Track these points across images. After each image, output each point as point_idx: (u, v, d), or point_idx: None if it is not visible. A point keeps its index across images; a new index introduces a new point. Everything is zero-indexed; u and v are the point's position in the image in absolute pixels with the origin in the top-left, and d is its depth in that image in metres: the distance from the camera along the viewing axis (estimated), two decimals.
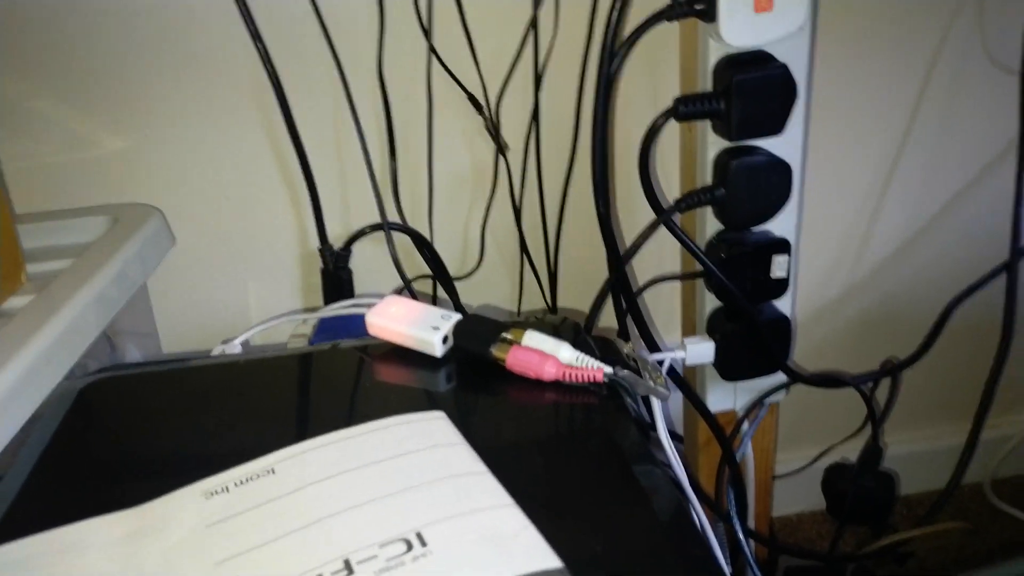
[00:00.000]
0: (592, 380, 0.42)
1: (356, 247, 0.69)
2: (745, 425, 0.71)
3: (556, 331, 0.45)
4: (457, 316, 0.46)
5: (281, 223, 0.72)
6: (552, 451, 0.38)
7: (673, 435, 0.79)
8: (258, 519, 0.33)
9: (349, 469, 0.35)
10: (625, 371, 0.43)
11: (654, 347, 0.64)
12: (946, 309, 0.72)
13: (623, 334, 0.64)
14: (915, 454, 0.95)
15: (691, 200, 0.57)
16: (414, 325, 0.45)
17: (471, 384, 0.44)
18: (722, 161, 0.56)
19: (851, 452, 0.78)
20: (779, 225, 0.60)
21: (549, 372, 0.42)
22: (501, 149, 0.69)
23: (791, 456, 0.90)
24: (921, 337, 0.70)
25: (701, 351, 0.63)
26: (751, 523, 0.76)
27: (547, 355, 0.43)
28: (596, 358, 0.43)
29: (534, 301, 0.77)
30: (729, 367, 0.64)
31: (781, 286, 0.61)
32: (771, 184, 0.57)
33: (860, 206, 0.80)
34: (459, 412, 0.40)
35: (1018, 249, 0.70)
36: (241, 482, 0.35)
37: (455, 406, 0.41)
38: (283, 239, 0.73)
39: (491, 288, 0.77)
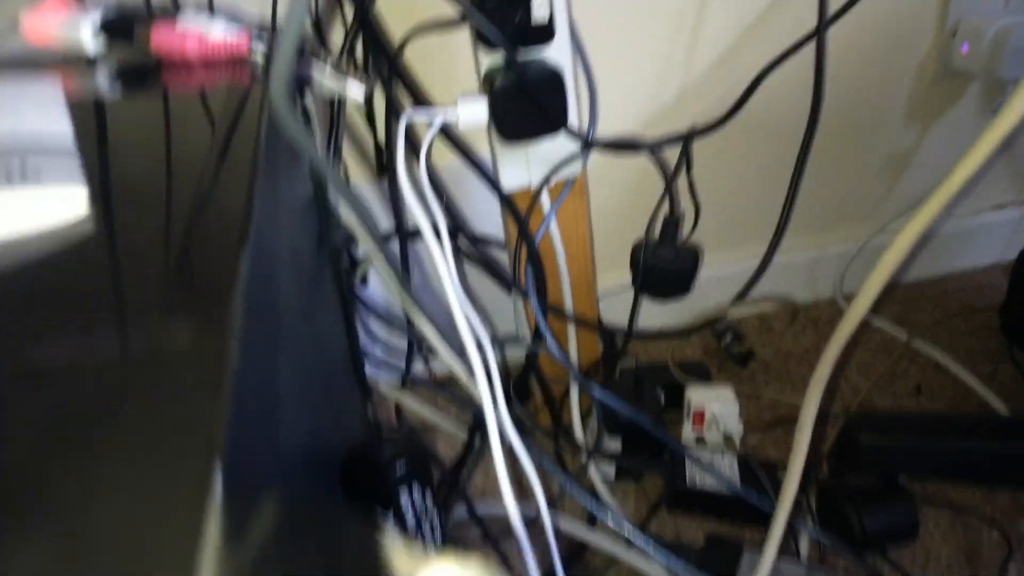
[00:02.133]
0: (236, 54, 0.39)
1: None
2: (546, 203, 0.69)
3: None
4: (110, 6, 0.43)
5: None
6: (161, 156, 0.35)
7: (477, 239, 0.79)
8: None
9: None
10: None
11: (425, 104, 0.61)
12: (756, 78, 0.70)
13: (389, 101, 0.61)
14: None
15: None
16: (66, 21, 0.42)
17: (120, 77, 0.41)
18: None
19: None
20: None
21: (192, 49, 0.39)
22: None
23: None
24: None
25: (474, 110, 0.61)
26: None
27: (189, 32, 0.40)
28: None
29: None
30: (507, 125, 0.61)
31: (547, 32, 0.58)
32: None
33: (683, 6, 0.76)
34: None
35: (825, 20, 0.68)
36: None
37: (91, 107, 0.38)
38: None
39: None
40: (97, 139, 0.33)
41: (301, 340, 0.42)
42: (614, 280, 0.88)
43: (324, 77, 0.43)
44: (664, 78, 0.78)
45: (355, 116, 0.72)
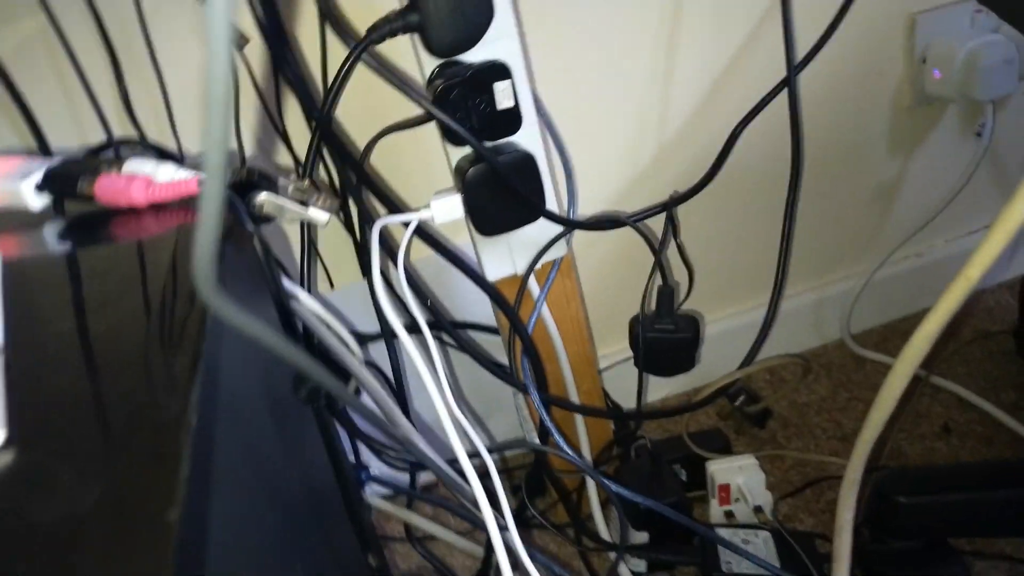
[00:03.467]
0: (188, 195, 0.36)
1: None
2: (535, 288, 0.66)
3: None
4: (57, 160, 0.40)
5: None
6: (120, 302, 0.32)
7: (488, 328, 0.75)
8: None
9: None
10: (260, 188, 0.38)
11: (395, 208, 0.58)
12: (732, 134, 0.68)
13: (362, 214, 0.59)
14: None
15: (384, 28, 0.51)
16: (5, 178, 0.39)
17: (61, 232, 0.38)
18: None
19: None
20: (499, 48, 0.55)
21: (137, 194, 0.36)
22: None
23: None
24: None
25: (448, 206, 0.58)
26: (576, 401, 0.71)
27: (136, 178, 0.37)
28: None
29: None
30: (483, 219, 0.59)
31: (513, 119, 0.56)
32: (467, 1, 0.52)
33: (652, 66, 0.75)
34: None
35: (793, 64, 0.67)
36: None
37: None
38: None
39: None
40: (25, 299, 0.30)
41: (285, 486, 0.38)
42: (616, 351, 0.85)
43: (285, 205, 0.40)
44: (639, 141, 0.76)
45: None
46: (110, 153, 0.53)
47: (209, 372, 0.30)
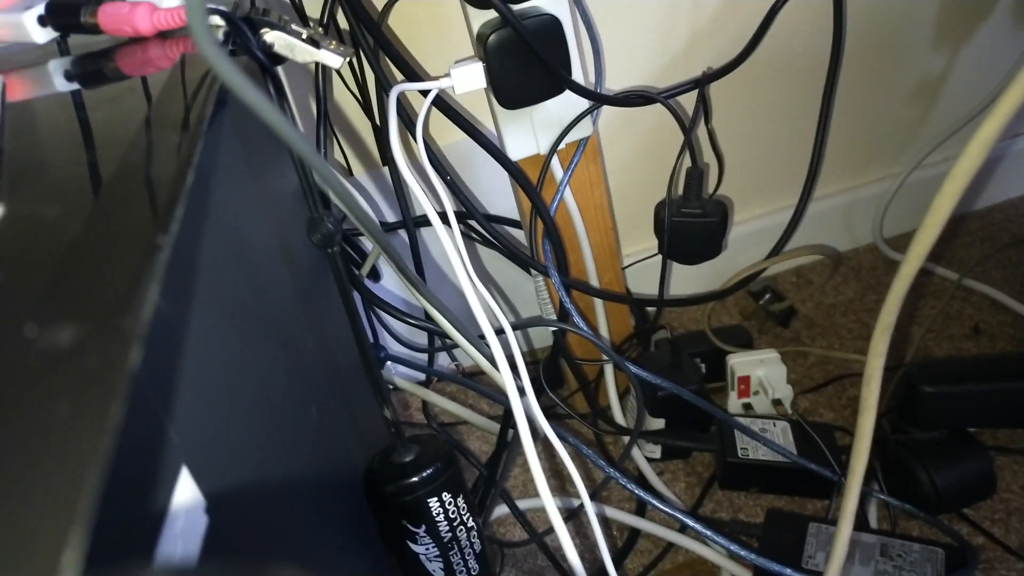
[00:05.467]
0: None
1: None
2: (558, 171, 0.64)
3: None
4: None
5: None
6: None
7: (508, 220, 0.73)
8: None
9: None
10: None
11: (414, 76, 0.56)
12: (771, 10, 0.64)
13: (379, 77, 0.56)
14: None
15: None
16: (7, 10, 0.38)
17: (66, 68, 0.36)
18: None
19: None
20: None
21: (142, 22, 0.35)
22: None
23: None
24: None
25: (469, 74, 0.56)
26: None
27: (138, 4, 0.35)
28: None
29: None
30: (506, 89, 0.56)
31: None
32: None
33: None
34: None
35: None
36: None
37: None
38: None
39: None
40: (27, 133, 0.29)
41: (301, 345, 0.38)
42: (639, 247, 0.83)
43: (297, 44, 0.38)
44: (672, 21, 0.72)
45: (353, 104, 0.67)
46: None
47: (221, 187, 0.29)
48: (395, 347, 0.71)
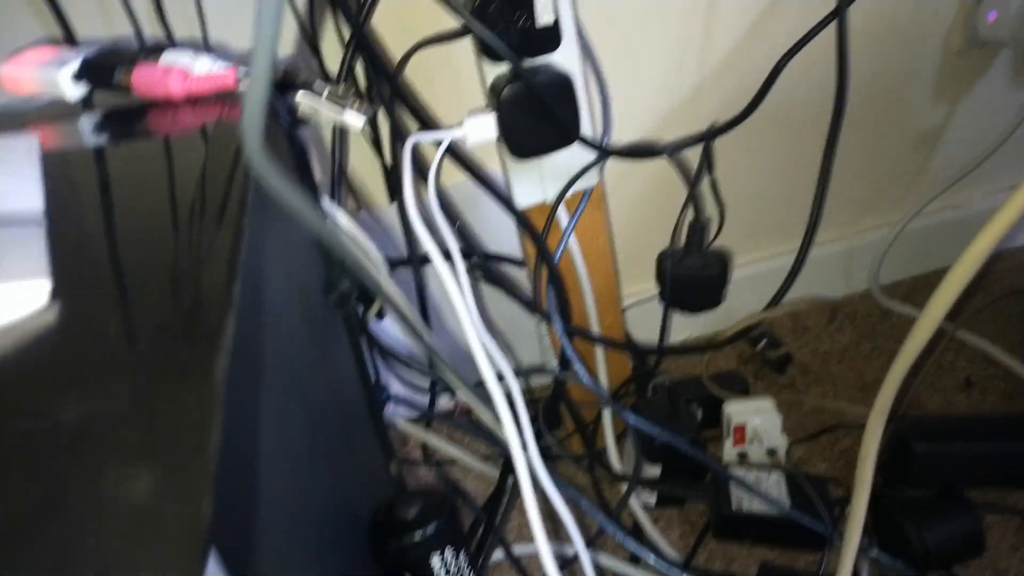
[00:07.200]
0: (224, 89, 0.36)
1: None
2: (563, 218, 0.65)
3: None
4: (94, 49, 0.39)
5: None
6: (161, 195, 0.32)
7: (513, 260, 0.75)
8: None
9: None
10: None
11: (428, 126, 0.57)
12: (776, 66, 0.65)
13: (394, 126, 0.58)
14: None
15: None
16: (43, 66, 0.39)
17: (98, 124, 0.37)
18: None
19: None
20: None
21: (175, 86, 0.36)
22: None
23: None
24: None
25: (482, 125, 0.57)
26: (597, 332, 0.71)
27: (173, 69, 0.36)
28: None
29: None
30: (517, 140, 0.58)
31: (552, 36, 0.54)
32: None
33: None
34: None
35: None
36: None
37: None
38: None
39: None
40: (65, 192, 0.30)
41: (314, 398, 0.38)
42: (639, 290, 0.84)
43: (320, 107, 0.39)
44: (678, 73, 0.74)
45: (361, 142, 0.68)
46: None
47: (251, 252, 0.30)
48: (396, 386, 0.72)
